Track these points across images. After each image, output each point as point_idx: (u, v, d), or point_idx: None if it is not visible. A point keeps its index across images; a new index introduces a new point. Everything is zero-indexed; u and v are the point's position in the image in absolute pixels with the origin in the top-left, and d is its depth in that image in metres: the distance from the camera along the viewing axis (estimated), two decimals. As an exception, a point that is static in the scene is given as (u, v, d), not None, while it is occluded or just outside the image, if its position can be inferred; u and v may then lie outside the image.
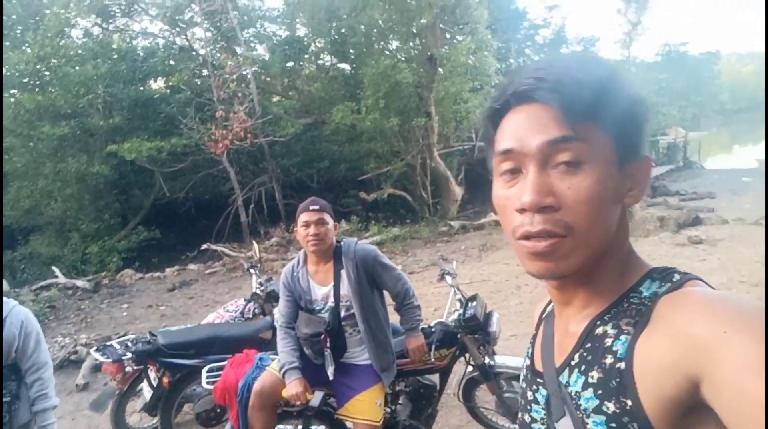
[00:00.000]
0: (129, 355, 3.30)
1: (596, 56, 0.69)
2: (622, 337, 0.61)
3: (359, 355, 2.56)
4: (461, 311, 2.80)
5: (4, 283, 8.36)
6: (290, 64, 15.39)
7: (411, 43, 13.53)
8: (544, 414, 0.71)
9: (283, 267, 9.59)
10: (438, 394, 2.92)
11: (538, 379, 0.74)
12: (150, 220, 13.45)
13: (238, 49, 14.25)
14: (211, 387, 2.78)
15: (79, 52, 12.41)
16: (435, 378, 2.94)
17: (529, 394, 0.76)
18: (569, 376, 0.66)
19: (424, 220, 12.97)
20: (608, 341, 0.62)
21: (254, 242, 4.65)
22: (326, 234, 2.48)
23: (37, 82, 12.06)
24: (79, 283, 9.65)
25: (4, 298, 1.93)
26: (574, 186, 0.61)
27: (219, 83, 11.91)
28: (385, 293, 2.64)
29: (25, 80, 12.00)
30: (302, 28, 16.05)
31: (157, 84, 14.75)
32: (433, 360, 2.71)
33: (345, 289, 2.48)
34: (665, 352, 0.55)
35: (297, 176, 15.01)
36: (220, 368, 2.83)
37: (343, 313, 2.50)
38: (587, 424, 0.61)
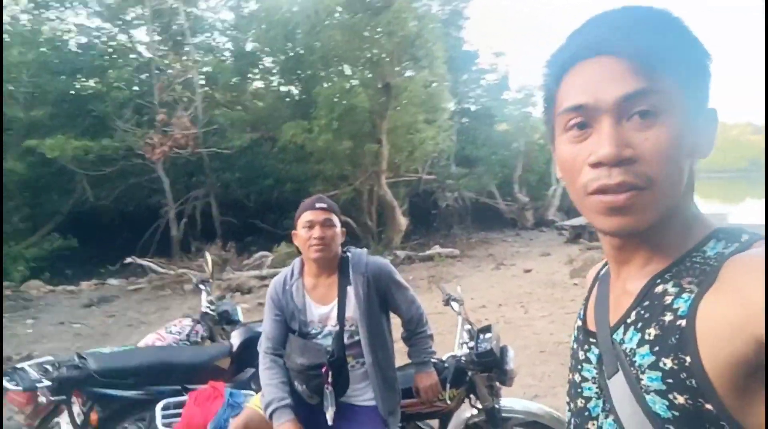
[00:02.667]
0: (47, 382, 2.60)
1: (661, 8, 0.64)
2: (685, 295, 0.60)
3: (361, 394, 2.10)
4: (472, 345, 2.42)
5: None
6: (236, 78, 14.77)
7: (366, 70, 13.38)
8: (596, 373, 0.72)
9: (218, 289, 8.84)
10: (437, 444, 2.48)
11: (591, 339, 0.74)
12: (66, 228, 12.12)
13: (183, 58, 13.48)
14: None
15: (5, 37, 11.17)
16: (434, 423, 2.51)
17: (581, 354, 0.76)
18: (624, 334, 0.66)
19: (368, 248, 12.59)
20: (668, 299, 0.62)
21: (207, 253, 4.01)
22: (333, 238, 2.06)
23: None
24: (-28, 293, 8.32)
25: None
26: (652, 137, 0.60)
27: (163, 85, 11.11)
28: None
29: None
30: (251, 44, 15.52)
31: (90, 82, 13.57)
32: (448, 401, 2.28)
33: (351, 310, 2.05)
34: (733, 314, 0.54)
35: (237, 193, 14.20)
36: (178, 404, 2.25)
37: (346, 341, 2.05)
38: (642, 380, 0.61)
